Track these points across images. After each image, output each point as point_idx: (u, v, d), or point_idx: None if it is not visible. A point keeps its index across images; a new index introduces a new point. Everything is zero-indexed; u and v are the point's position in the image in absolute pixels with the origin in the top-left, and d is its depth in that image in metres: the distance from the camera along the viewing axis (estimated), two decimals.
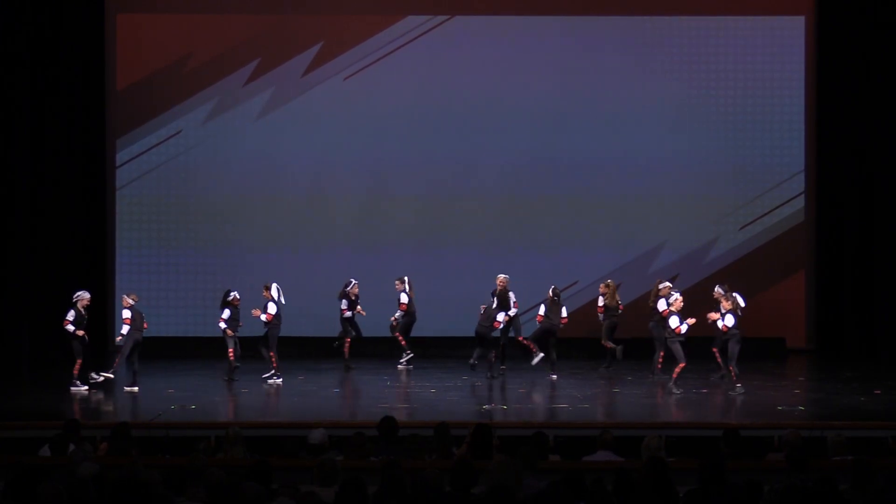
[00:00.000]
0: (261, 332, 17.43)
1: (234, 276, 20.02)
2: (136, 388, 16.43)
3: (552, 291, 17.92)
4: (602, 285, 18.72)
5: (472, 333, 17.96)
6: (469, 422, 12.00)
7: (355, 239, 20.63)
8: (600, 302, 18.54)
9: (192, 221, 20.65)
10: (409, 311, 18.82)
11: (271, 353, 17.26)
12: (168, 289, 20.59)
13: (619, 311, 18.49)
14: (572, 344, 18.93)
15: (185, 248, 20.65)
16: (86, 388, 16.46)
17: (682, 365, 16.21)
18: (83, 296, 16.74)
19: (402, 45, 20.74)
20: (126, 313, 16.72)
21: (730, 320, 16.20)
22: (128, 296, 17.06)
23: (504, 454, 10.40)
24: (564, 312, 17.95)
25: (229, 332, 17.21)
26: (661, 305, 17.14)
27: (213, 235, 20.65)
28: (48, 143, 19.80)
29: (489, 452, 10.09)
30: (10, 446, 12.13)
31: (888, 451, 11.52)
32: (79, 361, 16.57)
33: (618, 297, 18.55)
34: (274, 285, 17.41)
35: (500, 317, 17.56)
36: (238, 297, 17.33)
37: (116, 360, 16.91)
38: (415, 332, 19.03)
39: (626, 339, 18.88)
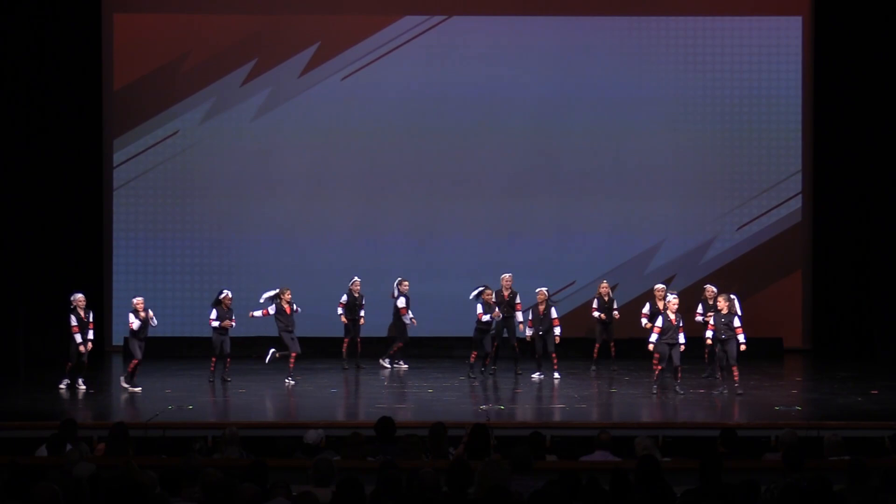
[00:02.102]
0: (259, 332, 17.43)
1: (231, 276, 20.03)
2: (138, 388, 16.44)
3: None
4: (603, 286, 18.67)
5: (467, 333, 17.98)
6: (466, 422, 11.99)
7: (353, 238, 20.61)
8: (595, 304, 18.49)
9: (190, 221, 20.63)
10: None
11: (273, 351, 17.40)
12: (165, 288, 20.56)
13: (615, 315, 18.44)
14: (569, 344, 18.90)
15: (182, 248, 20.63)
16: (66, 384, 16.47)
17: (677, 367, 16.18)
18: (76, 297, 16.68)
19: (400, 45, 20.72)
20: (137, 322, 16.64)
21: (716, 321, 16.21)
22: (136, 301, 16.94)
23: (499, 454, 10.44)
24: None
25: (226, 322, 17.07)
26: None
27: (210, 235, 20.63)
28: (45, 143, 19.78)
29: (487, 453, 10.08)
30: (7, 446, 12.11)
31: (884, 451, 11.53)
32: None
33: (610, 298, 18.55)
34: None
35: (482, 313, 17.55)
36: (230, 296, 17.28)
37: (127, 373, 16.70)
38: (410, 332, 19.02)
39: (624, 340, 18.87)
